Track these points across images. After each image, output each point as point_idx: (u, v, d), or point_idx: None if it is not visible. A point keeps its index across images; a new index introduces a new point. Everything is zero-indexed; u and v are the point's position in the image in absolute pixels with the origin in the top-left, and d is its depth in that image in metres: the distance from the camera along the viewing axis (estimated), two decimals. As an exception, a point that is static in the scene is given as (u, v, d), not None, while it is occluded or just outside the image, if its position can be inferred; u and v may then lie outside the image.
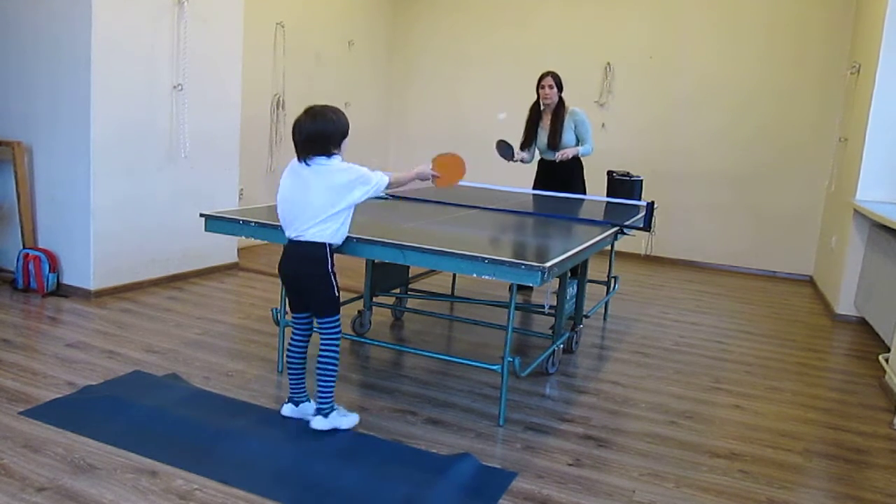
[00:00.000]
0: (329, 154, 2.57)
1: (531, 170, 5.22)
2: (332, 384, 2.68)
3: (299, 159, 2.59)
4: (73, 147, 4.19)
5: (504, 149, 4.96)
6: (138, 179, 4.47)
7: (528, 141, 5.06)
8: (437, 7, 7.75)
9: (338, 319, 2.70)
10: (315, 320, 2.72)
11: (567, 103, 4.95)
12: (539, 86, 4.91)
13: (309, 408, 2.77)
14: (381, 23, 7.75)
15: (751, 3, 6.51)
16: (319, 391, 2.67)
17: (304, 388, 2.79)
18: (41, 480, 2.22)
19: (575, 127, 4.90)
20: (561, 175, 4.98)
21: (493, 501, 2.30)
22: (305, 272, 2.64)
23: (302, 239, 2.60)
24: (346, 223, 2.65)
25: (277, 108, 6.26)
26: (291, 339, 2.80)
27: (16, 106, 4.37)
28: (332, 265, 2.64)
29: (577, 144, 4.92)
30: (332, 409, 2.68)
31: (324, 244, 2.59)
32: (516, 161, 5.04)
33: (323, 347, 2.68)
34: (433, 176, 2.98)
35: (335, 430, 2.69)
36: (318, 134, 2.54)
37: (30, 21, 4.25)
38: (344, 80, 7.14)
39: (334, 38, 6.98)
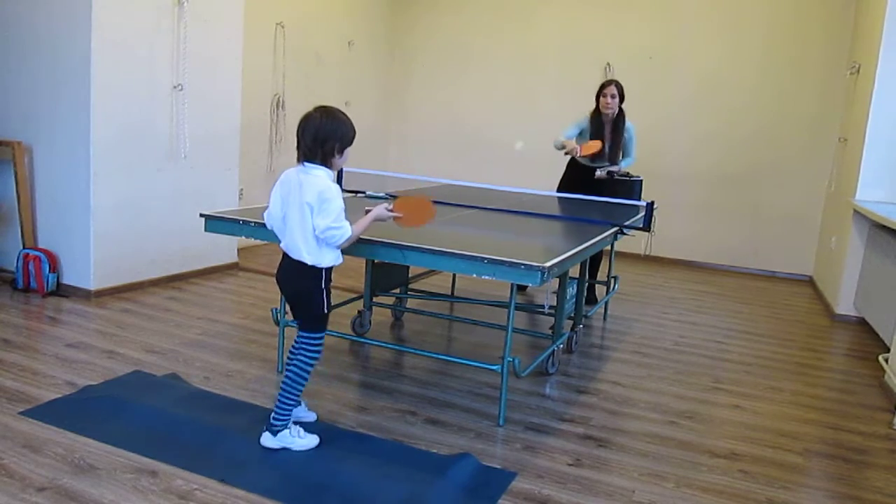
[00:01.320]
0: (327, 163, 2.42)
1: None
2: (292, 403, 2.54)
3: (299, 161, 2.44)
4: (73, 147, 4.19)
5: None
6: (138, 179, 4.47)
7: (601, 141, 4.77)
8: (437, 7, 7.75)
9: (321, 338, 2.57)
10: (297, 333, 2.59)
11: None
12: (601, 94, 4.71)
13: (301, 411, 2.74)
14: (381, 23, 7.75)
15: (751, 3, 6.51)
16: (277, 407, 2.52)
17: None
18: (41, 480, 2.22)
19: (626, 141, 4.82)
20: (595, 182, 4.78)
21: (493, 501, 2.30)
22: (297, 285, 2.52)
23: (293, 256, 2.47)
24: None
25: (277, 108, 6.26)
26: (293, 345, 2.69)
27: (16, 106, 4.38)
28: (327, 281, 2.51)
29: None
30: (285, 428, 2.52)
31: (316, 266, 2.46)
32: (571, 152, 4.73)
33: (295, 363, 2.54)
34: (394, 216, 2.62)
35: (334, 431, 2.68)
36: (326, 135, 2.38)
37: (30, 21, 4.25)
38: (344, 80, 7.14)
39: (334, 38, 6.98)
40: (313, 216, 2.39)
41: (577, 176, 4.92)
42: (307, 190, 2.39)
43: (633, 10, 6.89)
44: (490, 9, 7.48)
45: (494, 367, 2.99)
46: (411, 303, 4.49)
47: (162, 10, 4.44)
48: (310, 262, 2.45)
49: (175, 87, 4.59)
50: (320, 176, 2.41)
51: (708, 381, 3.61)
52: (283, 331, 3.35)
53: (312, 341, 2.56)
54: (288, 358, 2.69)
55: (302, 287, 2.51)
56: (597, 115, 4.79)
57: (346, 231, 2.43)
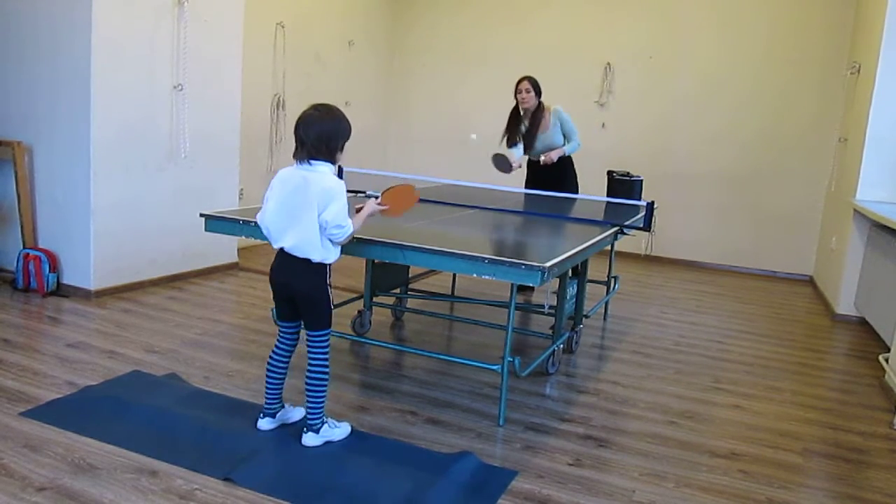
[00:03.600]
0: (333, 160, 2.45)
1: (526, 170, 5.22)
2: (323, 400, 2.57)
3: (301, 160, 2.44)
4: (73, 147, 4.19)
5: (501, 162, 4.85)
6: (138, 179, 4.47)
7: (514, 138, 5.01)
8: (437, 7, 7.75)
9: (328, 333, 2.59)
10: (305, 333, 2.59)
11: (550, 103, 4.95)
12: (516, 90, 4.92)
13: (288, 412, 2.72)
14: (381, 23, 7.75)
15: (751, 3, 6.51)
16: (310, 408, 2.56)
17: (279, 397, 2.68)
18: (41, 480, 2.22)
19: (560, 125, 4.92)
20: (552, 174, 4.96)
21: (493, 500, 2.30)
22: (302, 285, 2.51)
23: (298, 255, 2.46)
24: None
25: (277, 108, 6.26)
26: (276, 348, 2.66)
27: (16, 106, 4.37)
28: (330, 277, 2.55)
29: (563, 143, 4.94)
30: (323, 424, 2.58)
31: (322, 263, 2.49)
32: (515, 169, 4.97)
33: (313, 362, 2.56)
34: (382, 209, 2.69)
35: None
36: (330, 134, 2.42)
37: (30, 21, 4.25)
38: (344, 80, 7.14)
39: (334, 38, 6.98)
40: (321, 212, 2.41)
41: (533, 170, 5.14)
42: (315, 187, 2.41)
43: (633, 10, 6.89)
44: (490, 9, 7.48)
45: (494, 367, 2.99)
46: (411, 303, 4.49)
47: (162, 10, 4.44)
48: (317, 260, 2.48)
49: (175, 87, 4.59)
50: (326, 172, 2.45)
51: (708, 381, 3.61)
52: (283, 331, 3.34)
53: (323, 338, 2.58)
54: (275, 356, 2.65)
55: (310, 285, 2.52)
56: (515, 111, 5.02)
57: (349, 228, 2.47)
